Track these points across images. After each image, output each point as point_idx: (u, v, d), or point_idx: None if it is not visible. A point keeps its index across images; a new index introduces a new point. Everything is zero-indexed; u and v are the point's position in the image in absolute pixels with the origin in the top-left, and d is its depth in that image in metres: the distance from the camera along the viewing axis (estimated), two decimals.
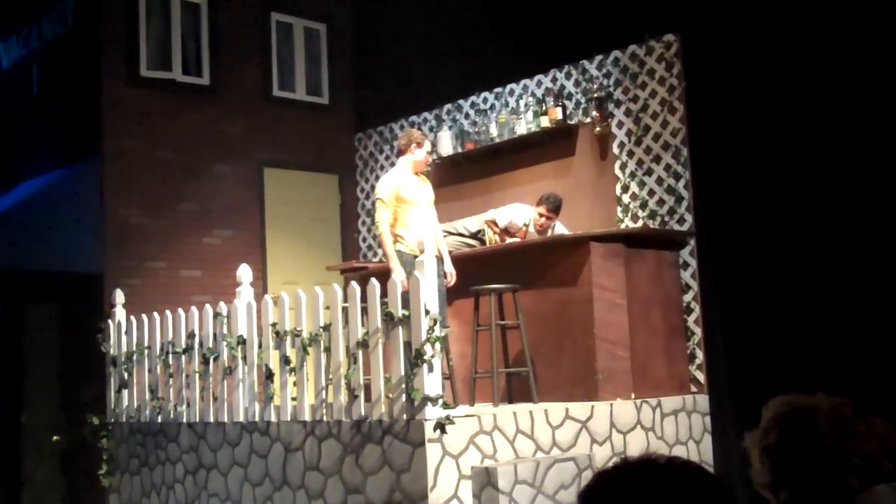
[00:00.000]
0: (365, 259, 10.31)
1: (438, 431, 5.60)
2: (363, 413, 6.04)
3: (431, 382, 5.70)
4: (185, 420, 7.44)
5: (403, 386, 5.79)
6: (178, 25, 9.81)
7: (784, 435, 2.20)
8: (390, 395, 5.89)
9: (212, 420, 7.21)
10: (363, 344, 6.12)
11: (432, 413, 5.63)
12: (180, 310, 7.58)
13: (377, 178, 10.52)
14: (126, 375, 8.07)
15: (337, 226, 10.73)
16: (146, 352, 7.85)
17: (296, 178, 10.40)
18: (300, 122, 10.53)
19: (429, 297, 5.79)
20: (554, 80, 8.75)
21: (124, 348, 8.09)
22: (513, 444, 6.06)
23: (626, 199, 8.13)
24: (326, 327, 6.37)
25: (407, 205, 6.90)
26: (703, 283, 7.61)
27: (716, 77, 7.48)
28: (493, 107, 9.28)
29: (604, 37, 8.22)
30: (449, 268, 6.97)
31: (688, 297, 7.67)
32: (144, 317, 7.91)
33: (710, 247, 7.61)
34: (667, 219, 7.82)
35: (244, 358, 6.95)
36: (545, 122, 8.58)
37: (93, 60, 9.36)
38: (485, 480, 5.69)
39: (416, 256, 6.33)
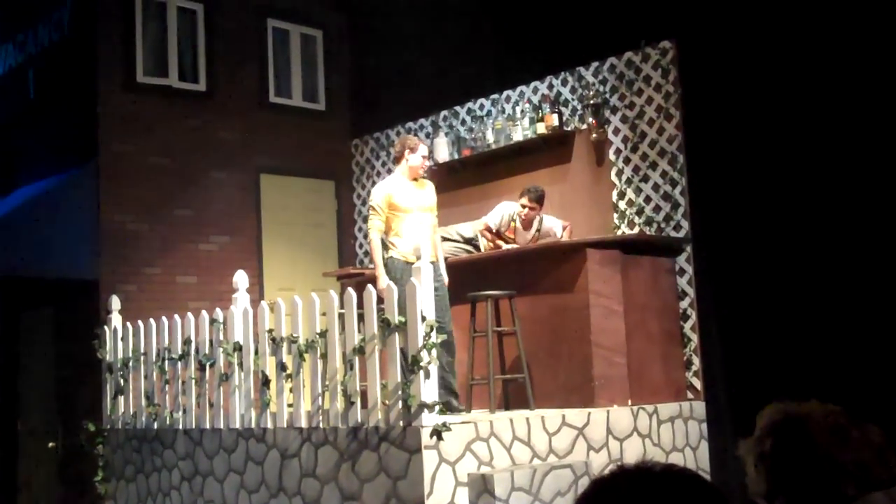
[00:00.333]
0: (361, 265, 10.31)
1: (435, 438, 5.59)
2: (360, 420, 6.03)
3: (428, 389, 5.70)
4: (181, 426, 7.43)
5: (400, 392, 5.79)
6: (175, 31, 9.81)
7: (778, 443, 2.19)
8: (387, 402, 5.89)
9: (208, 426, 7.19)
10: (360, 350, 6.12)
11: (429, 420, 5.63)
12: (176, 316, 7.57)
13: (374, 184, 10.52)
14: (122, 382, 8.05)
15: (333, 232, 10.73)
16: (142, 358, 7.84)
17: (292, 185, 10.40)
18: (296, 128, 10.53)
19: (425, 303, 5.79)
20: (550, 86, 8.76)
21: (120, 354, 8.07)
22: (509, 450, 6.06)
23: (622, 205, 8.13)
24: (323, 334, 6.36)
25: (400, 212, 6.87)
26: (699, 290, 7.62)
27: (712, 83, 7.49)
28: (489, 113, 9.29)
29: (600, 43, 8.23)
30: (443, 272, 6.96)
31: (684, 304, 7.67)
32: (140, 323, 7.89)
33: (707, 253, 7.61)
34: (663, 225, 7.82)
35: (240, 364, 6.94)
36: (541, 128, 8.58)
37: (89, 66, 9.36)
38: (481, 487, 5.68)
39: (409, 263, 6.34)
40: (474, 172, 9.18)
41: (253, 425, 6.79)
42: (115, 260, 9.06)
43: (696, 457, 7.30)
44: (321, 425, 6.29)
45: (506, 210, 8.00)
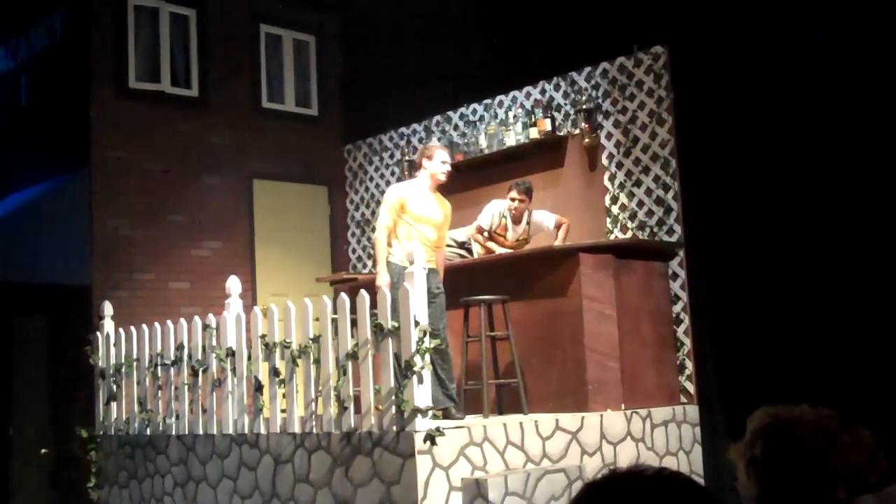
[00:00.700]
0: (354, 270, 10.31)
1: (428, 443, 5.59)
2: (353, 425, 6.03)
3: (421, 394, 5.70)
4: (174, 432, 7.41)
5: (393, 397, 5.79)
6: (167, 37, 9.81)
7: (768, 447, 2.20)
8: (380, 407, 5.88)
9: (201, 432, 7.18)
10: (353, 355, 6.12)
11: (422, 424, 5.63)
12: (169, 322, 7.56)
13: (366, 189, 10.56)
14: (115, 388, 8.04)
15: (326, 237, 10.73)
16: (135, 364, 7.82)
17: (285, 190, 10.39)
18: (289, 133, 10.53)
19: (418, 308, 5.79)
20: (543, 91, 8.77)
21: (113, 360, 8.05)
22: (503, 455, 6.06)
23: (615, 210, 8.14)
24: (316, 339, 6.36)
25: (408, 217, 6.79)
26: (692, 294, 7.63)
27: (704, 88, 7.51)
28: (482, 118, 9.30)
29: (592, 48, 8.25)
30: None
31: (677, 308, 7.68)
32: (133, 329, 7.88)
33: (699, 257, 7.62)
34: (656, 230, 7.84)
35: (233, 370, 6.94)
36: (534, 133, 8.60)
37: (81, 72, 9.35)
38: (475, 492, 5.68)
39: (404, 267, 6.32)
40: (467, 177, 9.17)
41: (246, 431, 6.78)
42: (107, 266, 9.05)
43: (689, 461, 7.30)
44: (314, 431, 6.28)
45: (496, 208, 7.98)
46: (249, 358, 6.84)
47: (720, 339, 7.44)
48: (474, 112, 9.40)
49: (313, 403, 6.34)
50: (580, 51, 8.32)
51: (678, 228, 7.71)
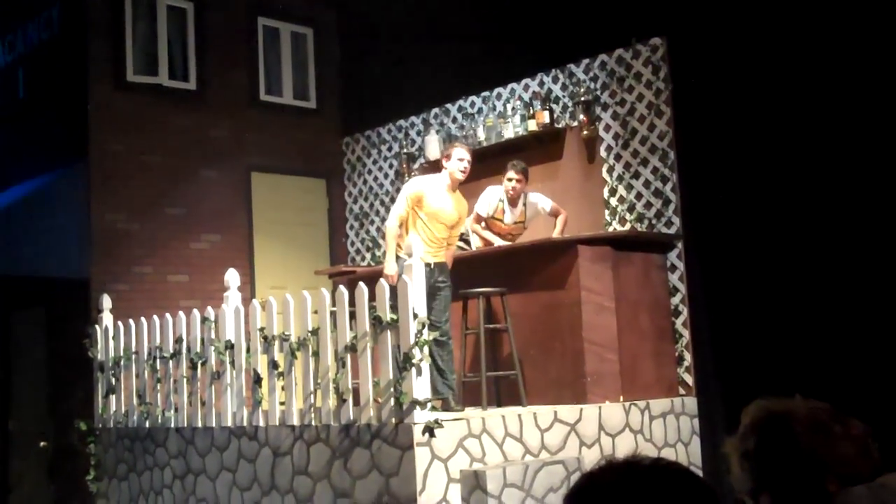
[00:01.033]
0: (353, 263, 10.31)
1: (427, 435, 5.60)
2: (352, 417, 6.04)
3: (420, 386, 5.70)
4: (172, 425, 7.42)
5: (392, 390, 5.79)
6: (165, 30, 9.79)
7: (761, 441, 2.21)
8: (379, 399, 5.89)
9: (200, 425, 7.19)
10: (351, 348, 6.12)
11: (421, 417, 5.64)
12: (168, 315, 7.57)
13: (365, 182, 10.56)
14: (113, 381, 8.05)
15: (325, 230, 10.72)
16: (133, 357, 7.83)
17: (283, 183, 10.39)
18: (287, 126, 10.52)
19: (417, 300, 5.80)
20: (541, 83, 8.77)
21: (111, 353, 8.06)
22: (501, 447, 6.06)
23: (613, 202, 8.15)
24: (315, 331, 6.36)
25: (423, 213, 6.82)
26: (690, 286, 7.64)
27: (702, 80, 7.50)
28: (480, 110, 9.29)
29: (590, 40, 8.24)
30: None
31: (675, 300, 7.69)
32: (132, 322, 7.88)
33: (698, 249, 7.63)
34: (654, 222, 7.84)
35: (232, 362, 6.94)
36: (532, 125, 8.59)
37: (79, 65, 9.34)
38: (473, 484, 5.69)
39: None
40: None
41: (245, 423, 6.79)
42: (105, 259, 9.04)
43: (687, 452, 7.31)
44: (313, 423, 6.29)
45: (492, 194, 7.96)
46: (248, 351, 6.85)
47: (718, 331, 7.44)
48: (473, 104, 9.39)
49: (312, 396, 6.34)
50: (578, 43, 8.32)
51: (676, 220, 7.71)
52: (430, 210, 6.81)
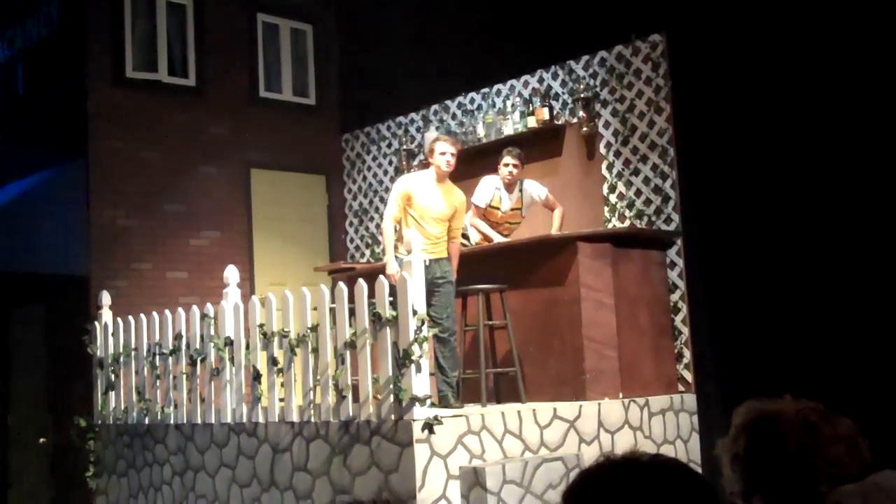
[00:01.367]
0: (352, 260, 10.31)
1: (426, 432, 5.60)
2: (351, 414, 6.04)
3: (419, 383, 5.70)
4: (172, 421, 7.43)
5: (391, 386, 5.79)
6: (164, 26, 9.78)
7: (752, 443, 2.21)
8: (378, 396, 5.89)
9: (199, 421, 7.19)
10: (351, 345, 6.12)
11: (420, 413, 5.64)
12: (167, 311, 7.56)
13: (364, 178, 10.56)
14: (113, 377, 8.05)
15: (324, 227, 10.72)
16: (133, 353, 7.83)
17: (283, 179, 10.38)
18: (287, 122, 10.52)
19: (416, 297, 5.80)
20: (541, 80, 8.76)
21: (111, 350, 8.06)
22: (501, 443, 6.07)
23: (613, 199, 8.14)
24: (314, 328, 6.36)
25: (412, 210, 6.81)
26: (690, 283, 7.64)
27: (702, 77, 7.50)
28: (479, 107, 9.29)
29: (590, 37, 8.23)
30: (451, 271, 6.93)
31: (675, 297, 7.69)
32: (131, 318, 7.88)
33: (697, 246, 7.63)
34: (654, 218, 7.83)
35: (231, 359, 6.94)
36: (532, 122, 8.58)
37: (78, 61, 9.34)
38: (473, 480, 5.70)
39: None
40: (465, 166, 9.13)
41: (244, 420, 6.79)
42: (105, 255, 9.04)
43: (687, 449, 7.32)
44: (313, 419, 6.29)
45: (488, 184, 7.92)
46: (248, 347, 6.85)
47: (718, 328, 7.45)
48: (472, 101, 9.39)
49: (311, 392, 6.35)
50: (578, 39, 8.31)
51: (676, 217, 7.71)
52: (420, 207, 6.79)
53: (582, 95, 8.33)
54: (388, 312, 5.89)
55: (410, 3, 9.65)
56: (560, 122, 8.51)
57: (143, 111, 9.49)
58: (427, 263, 6.56)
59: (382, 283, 6.04)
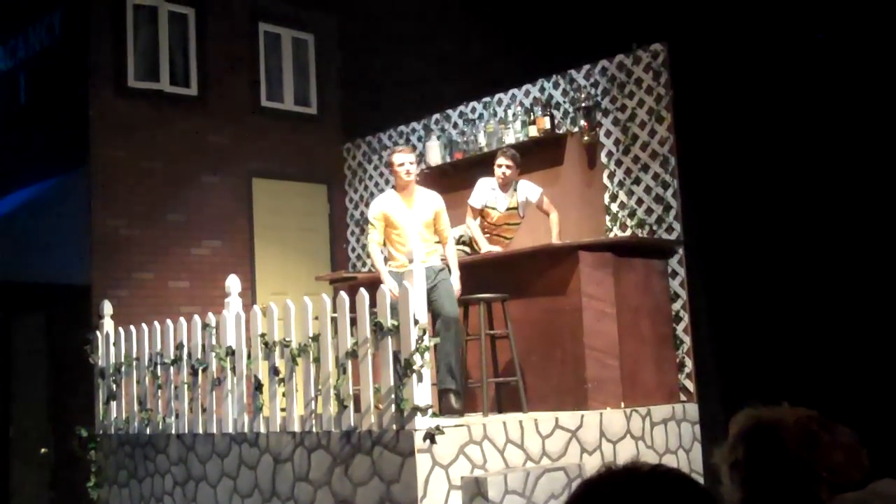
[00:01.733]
0: (354, 269, 10.31)
1: (428, 441, 5.59)
2: (353, 423, 6.03)
3: (421, 392, 5.70)
4: (173, 431, 7.41)
5: (393, 396, 5.79)
6: (166, 36, 9.80)
7: (751, 451, 2.20)
8: (380, 406, 5.88)
9: (201, 431, 7.18)
10: (352, 354, 6.11)
11: (422, 423, 5.63)
12: (168, 321, 7.56)
13: (366, 187, 10.56)
14: (114, 387, 8.04)
15: (326, 236, 10.73)
16: (134, 363, 7.82)
17: (284, 189, 10.39)
18: (288, 132, 10.53)
19: (418, 306, 5.79)
20: (542, 89, 8.77)
21: (112, 359, 8.06)
22: (503, 453, 6.05)
23: (614, 208, 8.14)
24: (315, 338, 6.35)
25: (392, 228, 6.87)
26: (691, 292, 7.63)
27: (703, 86, 7.51)
28: (481, 116, 9.29)
29: (591, 46, 8.24)
30: (456, 282, 6.91)
31: (676, 306, 7.68)
32: (132, 328, 7.88)
33: (699, 255, 7.62)
34: (655, 228, 7.83)
35: (233, 369, 6.93)
36: (533, 131, 8.59)
37: (80, 71, 9.35)
38: (475, 490, 5.68)
39: (401, 273, 6.28)
40: (466, 175, 9.17)
41: (246, 430, 6.78)
42: (106, 265, 9.04)
43: (689, 459, 7.30)
44: (314, 429, 6.28)
45: (483, 185, 7.93)
46: (249, 357, 6.84)
47: (720, 337, 7.44)
48: (473, 110, 9.40)
49: (313, 402, 6.33)
50: (579, 48, 8.32)
51: (677, 226, 7.70)
52: (399, 224, 6.85)
53: (583, 104, 8.34)
54: (389, 322, 5.89)
55: (411, 13, 9.66)
56: (561, 132, 8.52)
57: (144, 120, 9.51)
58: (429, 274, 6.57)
59: (384, 292, 6.04)
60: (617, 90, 8.19)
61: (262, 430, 6.64)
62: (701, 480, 6.00)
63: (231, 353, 6.94)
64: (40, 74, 10.19)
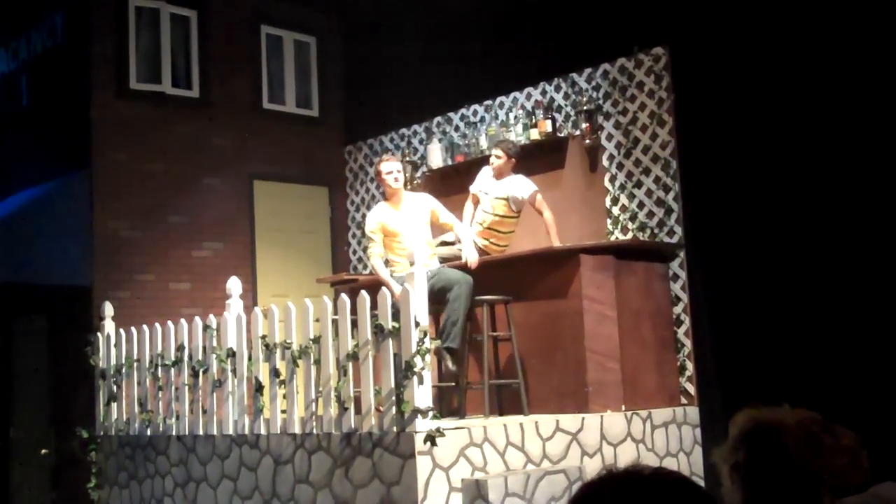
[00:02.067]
0: (355, 271, 10.30)
1: (429, 444, 5.59)
2: (353, 425, 6.03)
3: (421, 394, 5.70)
4: (174, 433, 7.42)
5: (393, 398, 5.79)
6: (168, 38, 9.81)
7: (752, 453, 2.19)
8: (380, 408, 5.89)
9: (201, 433, 7.18)
10: (353, 356, 6.12)
11: (422, 425, 5.63)
12: (170, 322, 7.56)
13: (367, 190, 10.56)
14: (115, 388, 8.04)
15: (327, 238, 10.72)
16: (135, 364, 7.82)
17: (286, 191, 10.40)
18: (290, 134, 10.53)
19: (419, 308, 5.79)
20: (543, 92, 8.77)
21: (113, 361, 8.06)
22: (503, 456, 6.05)
23: (615, 211, 8.14)
24: (316, 339, 6.36)
25: (391, 237, 7.00)
26: (692, 295, 7.63)
27: (704, 89, 7.51)
28: (482, 119, 9.30)
29: (593, 49, 8.24)
30: (471, 253, 7.08)
31: (678, 309, 7.68)
32: (133, 329, 7.88)
33: (700, 259, 7.62)
34: (656, 231, 7.83)
35: (234, 370, 6.94)
36: (535, 134, 8.59)
37: (82, 73, 9.35)
38: (475, 493, 5.68)
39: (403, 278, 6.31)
40: (468, 178, 9.16)
41: (246, 431, 6.78)
42: (108, 266, 9.05)
43: (689, 462, 7.30)
44: (315, 431, 6.28)
45: (485, 172, 8.05)
46: (250, 359, 6.85)
47: (721, 341, 7.43)
48: (475, 113, 9.40)
49: (314, 404, 6.34)
50: (580, 52, 8.32)
51: (679, 230, 7.70)
52: (395, 232, 6.98)
53: (585, 108, 8.34)
54: (390, 324, 5.89)
55: (414, 16, 9.67)
56: (563, 135, 8.52)
57: (146, 123, 9.51)
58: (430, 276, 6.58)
59: (385, 294, 6.04)
60: (618, 93, 8.19)
61: (263, 431, 6.65)
62: (701, 483, 6.00)
63: (232, 354, 6.95)
64: (42, 76, 10.20)
